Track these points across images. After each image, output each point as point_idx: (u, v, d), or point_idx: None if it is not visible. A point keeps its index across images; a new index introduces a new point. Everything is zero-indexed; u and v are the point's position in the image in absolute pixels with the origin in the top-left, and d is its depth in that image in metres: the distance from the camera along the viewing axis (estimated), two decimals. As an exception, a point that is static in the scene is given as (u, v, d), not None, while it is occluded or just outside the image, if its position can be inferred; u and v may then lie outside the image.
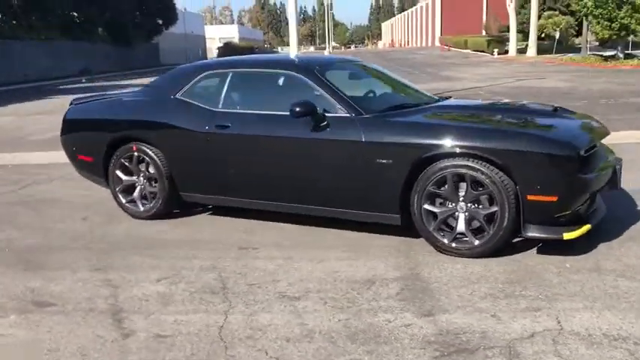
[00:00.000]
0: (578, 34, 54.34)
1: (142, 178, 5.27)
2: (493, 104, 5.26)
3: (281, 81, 4.87)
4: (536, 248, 4.18)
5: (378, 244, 4.43)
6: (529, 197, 3.82)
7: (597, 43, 37.45)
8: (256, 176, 4.73)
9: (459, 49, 52.34)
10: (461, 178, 4.02)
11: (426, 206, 4.13)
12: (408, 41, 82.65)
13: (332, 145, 4.35)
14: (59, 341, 3.15)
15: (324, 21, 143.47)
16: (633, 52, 28.17)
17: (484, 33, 61.52)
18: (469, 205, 4.04)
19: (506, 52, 41.02)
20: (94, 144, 5.43)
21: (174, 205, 5.27)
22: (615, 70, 23.56)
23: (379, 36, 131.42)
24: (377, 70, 5.60)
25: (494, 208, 3.92)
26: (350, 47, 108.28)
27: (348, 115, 4.36)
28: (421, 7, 74.61)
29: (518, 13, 53.63)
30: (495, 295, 3.49)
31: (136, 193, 5.31)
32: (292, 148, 4.51)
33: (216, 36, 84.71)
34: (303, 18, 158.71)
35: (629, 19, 24.81)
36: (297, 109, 4.32)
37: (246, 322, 3.27)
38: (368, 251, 4.31)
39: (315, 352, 2.93)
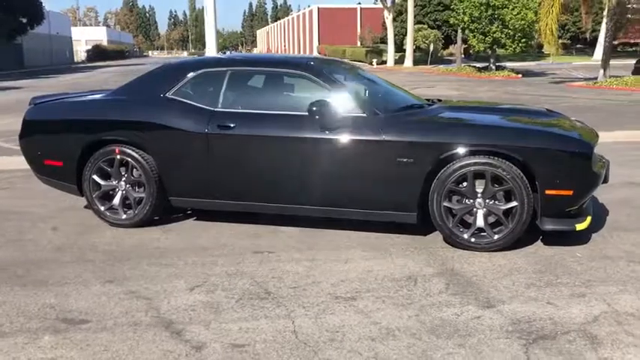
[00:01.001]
0: (445, 46, 58.16)
1: (123, 183, 4.90)
2: (495, 106, 5.52)
3: (289, 81, 4.78)
4: (539, 241, 4.44)
5: (392, 243, 4.49)
6: (547, 192, 4.07)
7: (463, 56, 40.40)
8: (264, 178, 4.58)
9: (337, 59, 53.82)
10: (479, 175, 4.18)
11: (446, 203, 4.25)
12: (285, 49, 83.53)
13: (351, 145, 4.34)
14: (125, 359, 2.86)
15: (196, 26, 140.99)
16: (502, 63, 30.63)
17: (359, 44, 63.86)
18: (487, 201, 4.21)
19: (384, 62, 42.84)
20: (66, 147, 4.97)
21: (159, 211, 4.96)
22: (490, 80, 25.54)
23: (254, 42, 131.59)
24: (366, 73, 5.66)
25: (514, 203, 4.12)
26: (225, 53, 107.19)
27: (364, 114, 4.37)
28: (298, 16, 75.83)
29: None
30: (537, 285, 3.68)
31: (116, 200, 4.93)
32: (307, 149, 4.43)
33: (83, 38, 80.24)
34: (174, 22, 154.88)
35: (499, 33, 27.02)
36: (315, 108, 4.27)
37: (318, 325, 3.18)
38: (387, 250, 4.35)
39: (409, 349, 2.92)
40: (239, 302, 3.49)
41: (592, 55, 47.54)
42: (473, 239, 4.24)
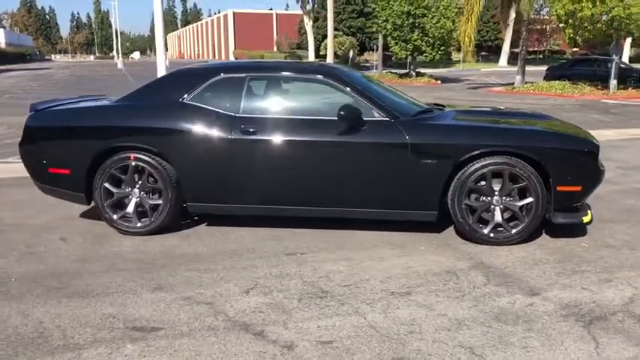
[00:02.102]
0: (360, 53, 59.58)
1: (137, 190, 4.83)
2: (497, 110, 5.89)
3: (308, 86, 4.89)
4: (544, 234, 4.82)
5: (412, 240, 4.71)
6: (559, 188, 4.45)
7: (376, 62, 41.72)
8: (289, 182, 4.67)
9: (256, 63, 53.74)
10: (497, 174, 4.49)
11: (467, 202, 4.53)
12: (198, 54, 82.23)
13: (378, 148, 4.52)
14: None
15: (102, 29, 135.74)
16: (419, 70, 31.83)
17: (275, 49, 64.16)
18: (503, 198, 4.54)
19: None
20: (74, 155, 4.83)
21: (176, 217, 4.92)
22: (413, 86, 26.49)
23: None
24: (373, 79, 5.86)
25: (530, 199, 4.47)
26: (133, 58, 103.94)
27: (387, 118, 4.57)
28: (212, 21, 74.90)
29: (306, 33, 56.87)
30: (564, 273, 4.03)
31: (130, 208, 4.84)
32: (334, 152, 4.57)
33: (-22, 40, 75.20)
34: (77, 25, 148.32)
35: (420, 41, 28.14)
36: (344, 113, 4.43)
37: (391, 320, 3.34)
38: (412, 247, 4.57)
39: (486, 336, 3.14)
40: (302, 302, 3.58)
41: (497, 62, 50.45)
42: (492, 234, 4.55)
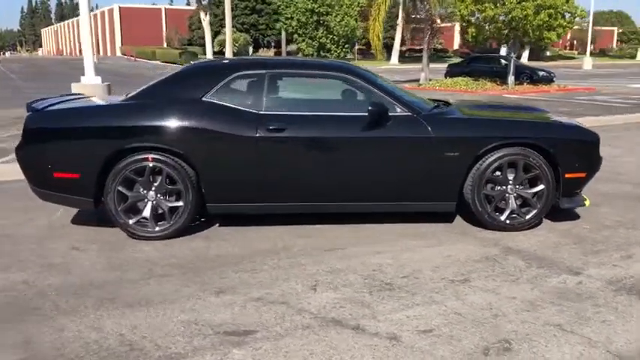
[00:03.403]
0: (255, 50, 59.41)
1: (153, 193, 4.63)
2: (501, 104, 6.19)
3: (329, 83, 4.90)
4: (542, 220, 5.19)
5: (432, 231, 4.90)
6: (567, 175, 4.83)
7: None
8: (317, 179, 4.68)
9: (147, 60, 51.91)
10: (512, 164, 4.79)
11: (484, 191, 4.79)
12: (80, 50, 77.72)
13: (405, 143, 4.66)
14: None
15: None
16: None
17: (165, 45, 62.29)
18: (517, 187, 4.85)
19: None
20: (84, 157, 4.53)
21: (193, 219, 4.78)
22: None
23: (37, 43, 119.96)
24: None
25: (541, 187, 4.81)
26: (4, 54, 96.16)
27: (409, 113, 4.72)
28: (95, 16, 71.16)
29: (198, 28, 55.88)
30: (589, 253, 4.39)
31: (147, 211, 4.63)
32: (363, 148, 4.64)
33: None
34: None
35: (325, 38, 28.65)
36: (373, 108, 4.52)
37: (470, 305, 3.49)
38: (436, 237, 4.76)
39: (563, 313, 3.38)
40: (374, 295, 3.64)
41: (389, 60, 52.27)
42: (508, 221, 4.84)
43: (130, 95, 4.83)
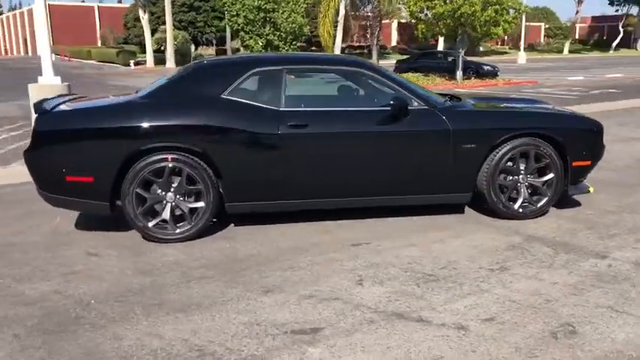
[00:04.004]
0: (194, 47, 58.33)
1: (171, 194, 4.50)
2: (508, 97, 6.31)
3: (345, 78, 4.89)
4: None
5: (447, 222, 4.97)
6: (574, 164, 5.00)
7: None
8: (338, 174, 4.66)
9: (82, 60, 50.08)
10: (523, 154, 4.92)
11: (499, 181, 4.92)
12: (6, 49, 74.20)
13: (425, 136, 4.71)
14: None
15: None
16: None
17: (100, 44, 60.30)
18: (528, 176, 4.99)
19: (139, 63, 41.38)
20: (100, 159, 4.35)
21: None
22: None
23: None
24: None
25: (551, 175, 4.97)
26: None
27: (426, 107, 4.78)
28: (22, 13, 68.03)
29: (134, 26, 54.47)
30: (605, 237, 4.57)
31: (167, 213, 4.49)
32: (385, 142, 4.65)
33: None
34: None
35: (272, 35, 28.45)
36: (395, 102, 4.55)
37: (519, 292, 3.58)
38: (456, 228, 4.83)
39: (608, 295, 3.52)
40: (423, 287, 3.67)
41: (331, 56, 52.52)
42: (521, 210, 4.98)
43: (142, 94, 4.66)
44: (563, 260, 4.09)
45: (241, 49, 39.40)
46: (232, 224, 4.94)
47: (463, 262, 4.08)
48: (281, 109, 4.54)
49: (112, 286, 3.74)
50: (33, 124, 4.39)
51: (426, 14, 20.38)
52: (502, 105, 5.55)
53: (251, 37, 28.31)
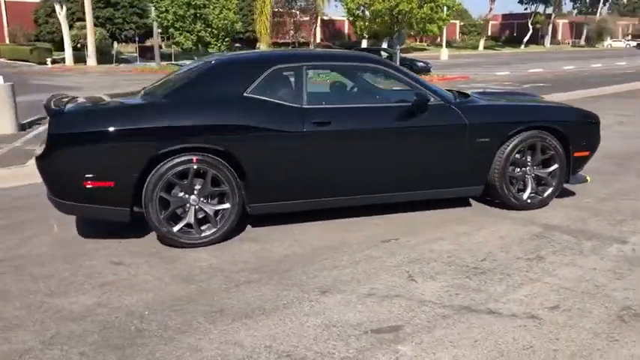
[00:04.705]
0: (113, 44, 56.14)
1: (195, 197, 4.34)
2: (512, 91, 6.43)
3: (362, 74, 4.87)
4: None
5: (466, 215, 5.08)
6: (576, 154, 5.24)
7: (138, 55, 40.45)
8: (363, 171, 4.64)
9: (-9, 58, 47.08)
10: (531, 147, 5.11)
11: (509, 174, 5.08)
12: None
13: (444, 131, 4.78)
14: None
15: None
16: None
17: (8, 41, 56.86)
18: (534, 167, 5.19)
19: (56, 61, 39.43)
20: (122, 163, 4.13)
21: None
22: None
23: None
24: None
25: (555, 166, 5.18)
26: None
27: (442, 102, 4.85)
28: None
29: (46, 22, 51.93)
30: (614, 223, 4.82)
31: (191, 217, 4.33)
32: (407, 138, 4.68)
33: None
34: None
35: (203, 32, 27.95)
36: (417, 98, 4.60)
37: (567, 280, 3.71)
38: (472, 220, 4.95)
39: (649, 278, 3.73)
40: (475, 280, 3.73)
41: (257, 53, 52.21)
42: (529, 200, 5.16)
43: (166, 93, 4.45)
44: (589, 247, 4.27)
45: (162, 46, 38.33)
46: (249, 225, 4.81)
47: (498, 253, 4.18)
48: (304, 106, 4.47)
49: (157, 295, 3.56)
50: (47, 126, 4.09)
51: (364, 11, 20.64)
52: (507, 99, 5.71)
53: (181, 34, 27.70)
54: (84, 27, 45.54)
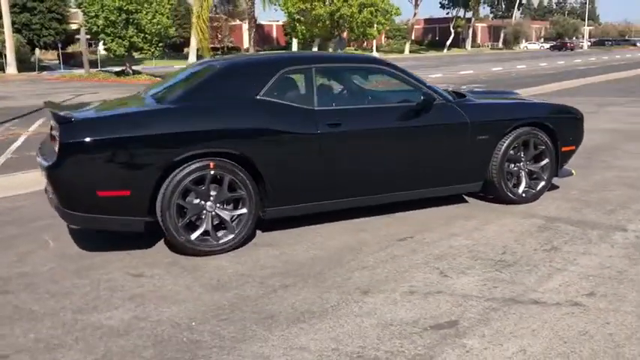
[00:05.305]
0: (31, 51, 53.64)
1: (210, 203, 4.24)
2: (502, 91, 6.59)
3: (367, 75, 4.90)
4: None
5: (468, 211, 5.20)
6: (564, 149, 5.50)
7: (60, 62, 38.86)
8: (375, 171, 4.68)
9: None
10: (525, 143, 5.31)
11: (506, 169, 5.26)
12: None
13: (449, 129, 4.89)
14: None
15: None
16: (137, 68, 30.68)
17: None
18: (527, 162, 5.40)
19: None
20: (136, 171, 3.98)
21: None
22: (137, 84, 25.56)
23: None
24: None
25: (546, 161, 5.41)
26: None
27: (444, 101, 4.97)
28: None
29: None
30: (608, 212, 5.07)
31: (208, 224, 4.22)
32: (416, 137, 4.76)
33: None
34: None
35: (136, 37, 27.16)
36: (425, 98, 4.69)
37: (590, 268, 3.87)
38: (476, 215, 5.08)
39: (662, 262, 3.96)
40: (505, 272, 3.83)
41: (187, 59, 51.24)
42: (524, 194, 5.36)
43: (175, 97, 4.31)
44: (595, 236, 4.48)
45: (85, 53, 37.02)
46: (259, 231, 4.73)
47: (515, 246, 4.31)
48: (316, 108, 4.45)
49: (195, 305, 3.44)
50: (57, 135, 3.86)
51: (303, 16, 20.74)
52: (496, 97, 5.91)
53: (113, 40, 26.79)
54: (1, 32, 43.27)
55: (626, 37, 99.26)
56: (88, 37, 29.61)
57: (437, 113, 4.81)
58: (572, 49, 70.56)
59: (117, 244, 4.38)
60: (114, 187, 3.91)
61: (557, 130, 5.36)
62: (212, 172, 4.12)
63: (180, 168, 4.03)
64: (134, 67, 30.11)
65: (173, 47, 61.44)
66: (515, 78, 23.37)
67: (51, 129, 4.53)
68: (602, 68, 29.40)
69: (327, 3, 19.71)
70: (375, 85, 5.21)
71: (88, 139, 3.86)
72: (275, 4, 26.42)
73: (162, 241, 4.48)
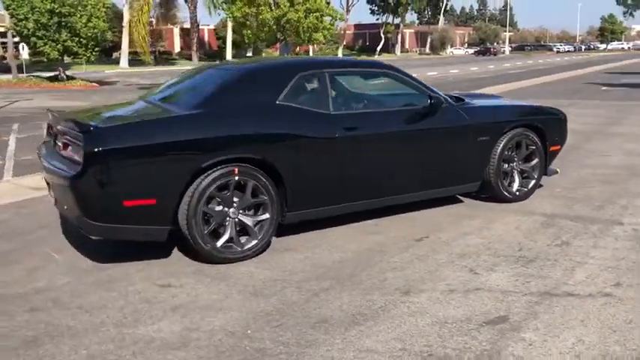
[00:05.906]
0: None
1: (234, 209, 4.20)
2: (490, 95, 6.75)
3: (376, 80, 4.97)
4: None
5: (470, 210, 5.37)
6: (551, 148, 5.78)
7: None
8: (390, 173, 4.76)
9: None
10: (518, 143, 5.54)
11: (502, 169, 5.47)
12: None
13: (452, 131, 5.04)
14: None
15: None
16: (72, 73, 29.52)
17: None
18: (519, 162, 5.64)
19: None
20: (162, 179, 3.88)
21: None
22: (71, 89, 24.68)
23: None
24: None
25: (536, 160, 5.67)
26: None
27: (447, 105, 5.11)
28: None
29: None
30: (597, 208, 5.36)
31: (232, 231, 4.17)
32: (427, 139, 4.88)
33: None
34: None
35: (70, 41, 26.16)
36: (434, 102, 4.83)
37: (607, 260, 4.09)
38: (480, 214, 5.24)
39: (667, 252, 4.24)
40: (532, 268, 3.99)
41: (118, 64, 49.82)
42: (517, 193, 5.59)
43: (195, 103, 4.22)
44: (597, 230, 4.74)
45: (12, 58, 35.27)
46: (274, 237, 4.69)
47: (527, 242, 4.49)
48: (332, 112, 4.49)
49: (241, 313, 3.40)
50: (81, 144, 3.70)
51: (249, 20, 20.64)
52: (492, 101, 6.12)
53: (45, 43, 25.68)
54: None
55: (542, 42, 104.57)
56: (16, 40, 28.24)
57: (444, 116, 4.94)
58: (495, 54, 73.50)
59: (127, 254, 4.24)
60: (140, 196, 3.79)
61: (546, 130, 5.62)
62: (236, 178, 4.06)
63: (206, 174, 3.95)
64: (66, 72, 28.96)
65: (103, 51, 59.48)
66: (453, 82, 24.13)
67: (55, 136, 4.35)
68: (532, 72, 30.84)
69: (273, 8, 19.71)
70: (379, 89, 5.27)
71: (113, 147, 3.72)
72: (219, 9, 26.01)
73: (176, 250, 4.37)
